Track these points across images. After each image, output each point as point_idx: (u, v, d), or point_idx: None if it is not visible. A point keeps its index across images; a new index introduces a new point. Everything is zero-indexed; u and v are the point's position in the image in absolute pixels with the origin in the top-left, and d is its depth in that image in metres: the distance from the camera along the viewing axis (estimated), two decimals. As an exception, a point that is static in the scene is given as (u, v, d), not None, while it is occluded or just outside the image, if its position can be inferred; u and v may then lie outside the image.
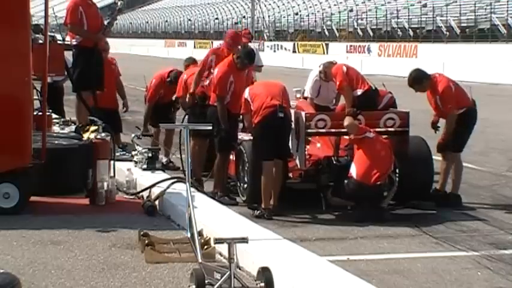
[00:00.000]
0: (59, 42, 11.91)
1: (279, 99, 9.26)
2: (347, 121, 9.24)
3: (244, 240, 5.56)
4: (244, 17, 67.52)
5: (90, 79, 11.02)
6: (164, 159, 11.51)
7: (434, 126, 10.15)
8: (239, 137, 10.19)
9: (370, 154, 9.06)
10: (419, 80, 10.05)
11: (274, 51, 55.71)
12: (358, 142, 9.19)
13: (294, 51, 53.86)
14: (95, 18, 11.13)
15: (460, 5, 44.72)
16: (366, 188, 8.94)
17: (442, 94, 9.85)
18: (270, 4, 67.41)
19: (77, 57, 11.10)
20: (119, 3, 12.09)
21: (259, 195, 9.16)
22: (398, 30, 48.64)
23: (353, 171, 9.06)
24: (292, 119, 9.63)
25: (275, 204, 9.15)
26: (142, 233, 7.22)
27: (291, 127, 9.41)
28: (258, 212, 9.06)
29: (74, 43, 11.06)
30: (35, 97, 9.45)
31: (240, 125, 10.50)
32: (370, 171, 8.97)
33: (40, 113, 8.87)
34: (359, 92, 9.93)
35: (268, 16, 64.96)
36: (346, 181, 9.10)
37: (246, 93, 9.54)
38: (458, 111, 9.89)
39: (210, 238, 6.87)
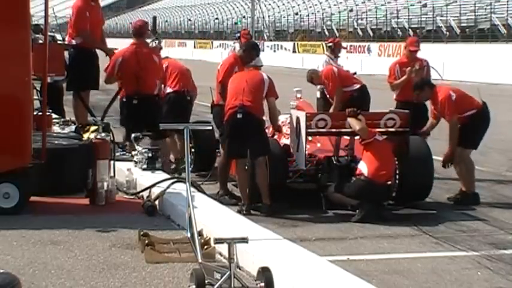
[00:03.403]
0: (59, 42, 11.94)
1: (241, 98, 9.21)
2: (358, 125, 9.22)
3: (244, 240, 5.56)
4: (244, 17, 67.49)
5: (88, 79, 11.04)
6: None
7: (426, 132, 10.38)
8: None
9: (379, 155, 9.08)
10: (421, 85, 10.27)
11: (274, 51, 55.70)
12: (368, 145, 9.19)
13: (294, 51, 53.85)
14: (96, 17, 11.29)
15: (460, 5, 44.71)
16: (376, 185, 8.97)
17: (441, 103, 9.96)
18: (270, 4, 67.39)
19: (76, 56, 11.12)
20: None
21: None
22: (398, 30, 48.63)
23: (363, 169, 9.06)
24: (293, 118, 9.65)
25: (267, 202, 9.16)
26: (142, 233, 7.21)
27: (254, 125, 9.26)
28: (238, 207, 9.11)
29: (74, 43, 11.08)
30: (35, 97, 9.45)
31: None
32: (380, 170, 9.02)
33: (40, 113, 8.87)
34: (356, 86, 11.12)
35: (268, 16, 64.93)
36: (353, 178, 9.11)
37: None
38: (465, 114, 9.94)
39: (210, 238, 6.87)
